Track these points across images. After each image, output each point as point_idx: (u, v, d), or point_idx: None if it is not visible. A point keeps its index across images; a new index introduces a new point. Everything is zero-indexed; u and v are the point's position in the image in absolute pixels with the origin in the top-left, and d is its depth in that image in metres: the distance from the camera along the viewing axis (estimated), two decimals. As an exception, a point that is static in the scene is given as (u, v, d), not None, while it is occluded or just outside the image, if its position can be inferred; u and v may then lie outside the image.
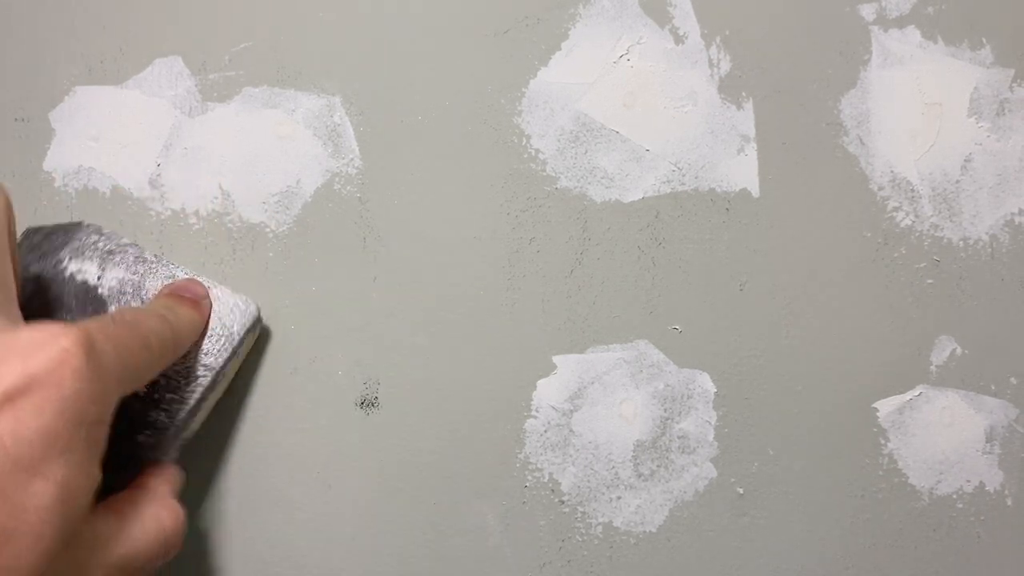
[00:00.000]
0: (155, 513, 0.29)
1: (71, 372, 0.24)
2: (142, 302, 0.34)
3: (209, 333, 0.33)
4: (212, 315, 0.34)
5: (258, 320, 0.35)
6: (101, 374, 0.25)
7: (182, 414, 0.32)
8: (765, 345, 0.36)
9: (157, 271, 0.34)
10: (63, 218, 0.36)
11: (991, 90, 0.37)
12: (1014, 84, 0.37)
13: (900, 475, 0.36)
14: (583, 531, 0.36)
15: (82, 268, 0.33)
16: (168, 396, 0.32)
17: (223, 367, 0.33)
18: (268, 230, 0.36)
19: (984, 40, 0.37)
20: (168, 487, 0.31)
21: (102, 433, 0.26)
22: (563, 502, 0.36)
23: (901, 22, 0.37)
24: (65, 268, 0.33)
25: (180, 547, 0.29)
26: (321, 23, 0.36)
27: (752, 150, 0.37)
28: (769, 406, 0.36)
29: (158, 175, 0.36)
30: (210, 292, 0.34)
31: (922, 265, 0.37)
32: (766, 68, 0.37)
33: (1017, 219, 0.37)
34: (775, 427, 0.36)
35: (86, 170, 0.36)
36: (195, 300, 0.33)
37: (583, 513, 0.36)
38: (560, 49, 0.37)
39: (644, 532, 0.36)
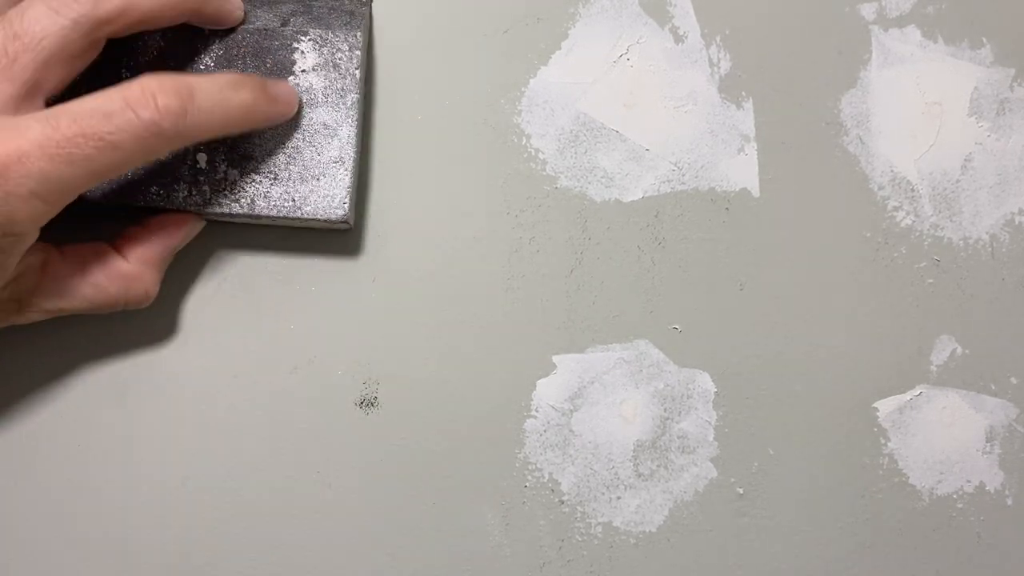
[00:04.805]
0: (96, 281, 0.31)
1: None
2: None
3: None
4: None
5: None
6: (8, 201, 0.25)
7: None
8: (765, 345, 0.36)
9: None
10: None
11: (991, 89, 0.37)
12: (1014, 83, 0.37)
13: (900, 475, 0.36)
14: (583, 531, 0.36)
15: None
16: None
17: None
18: (268, 230, 0.36)
19: (984, 39, 0.37)
20: (149, 252, 0.32)
21: (13, 253, 0.27)
22: (563, 502, 0.36)
23: (901, 21, 0.37)
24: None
25: (142, 305, 0.33)
26: (321, 23, 0.36)
27: (752, 150, 0.37)
28: (769, 406, 0.36)
29: (158, 175, 0.36)
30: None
31: (922, 265, 0.37)
32: (766, 68, 0.37)
33: (1017, 219, 0.37)
34: (775, 427, 0.36)
35: (86, 170, 0.36)
36: (271, 94, 0.31)
37: (583, 513, 0.36)
38: (560, 49, 0.37)
39: (644, 532, 0.36)
